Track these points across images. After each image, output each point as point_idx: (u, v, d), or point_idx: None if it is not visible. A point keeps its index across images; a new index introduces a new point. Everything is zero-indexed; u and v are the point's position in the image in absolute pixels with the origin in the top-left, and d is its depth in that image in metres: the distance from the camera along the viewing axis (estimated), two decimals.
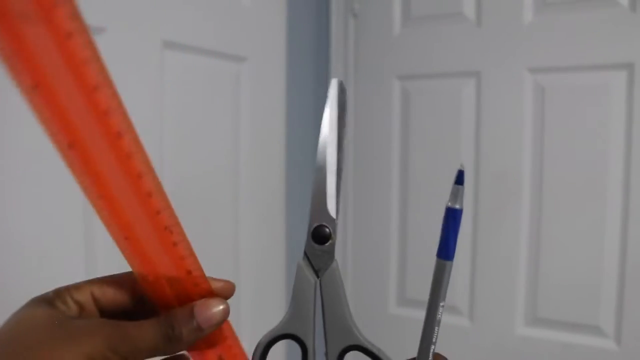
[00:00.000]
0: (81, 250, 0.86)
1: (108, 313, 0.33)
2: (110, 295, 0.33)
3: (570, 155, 1.19)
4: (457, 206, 0.36)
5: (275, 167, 1.28)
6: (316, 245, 0.37)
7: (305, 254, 0.38)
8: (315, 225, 0.37)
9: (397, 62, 1.39)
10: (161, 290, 0.32)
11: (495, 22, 1.26)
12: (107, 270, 0.93)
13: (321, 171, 0.37)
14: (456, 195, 0.36)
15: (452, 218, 0.36)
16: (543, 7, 1.21)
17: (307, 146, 1.41)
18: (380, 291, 1.43)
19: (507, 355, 1.28)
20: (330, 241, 0.38)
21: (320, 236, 0.37)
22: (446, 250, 0.38)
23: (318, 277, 0.38)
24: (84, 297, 0.32)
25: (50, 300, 0.31)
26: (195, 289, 0.32)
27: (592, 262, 1.18)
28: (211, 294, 0.33)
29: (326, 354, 0.37)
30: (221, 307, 0.32)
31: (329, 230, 0.38)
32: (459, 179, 0.36)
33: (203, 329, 0.31)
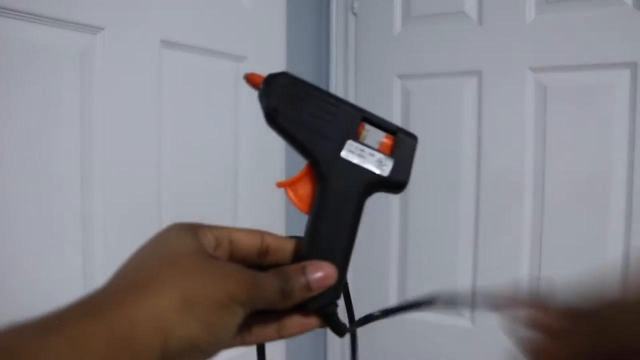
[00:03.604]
0: (79, 254, 0.85)
1: (235, 257, 0.35)
2: (243, 243, 0.35)
3: (573, 154, 1.19)
4: None
5: (274, 166, 1.27)
6: None
7: None
8: None
9: (398, 61, 1.38)
10: None
11: (497, 21, 1.25)
12: (105, 273, 0.92)
13: None
14: None
15: None
16: (545, 5, 1.20)
17: None
18: (380, 291, 1.42)
19: (509, 356, 1.27)
20: None
21: None
22: None
23: None
24: (221, 236, 0.34)
25: (193, 229, 0.33)
26: None
27: (594, 263, 1.17)
28: None
29: None
30: (330, 270, 0.34)
31: None
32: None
33: (312, 289, 0.34)
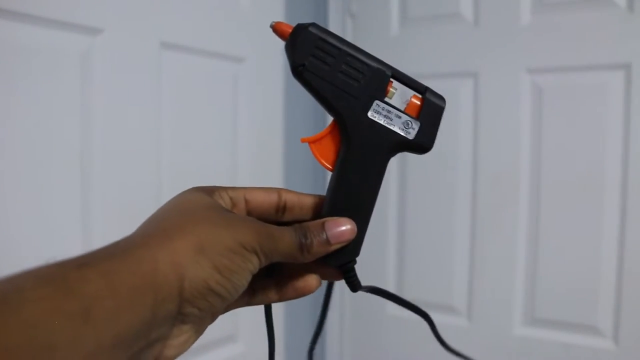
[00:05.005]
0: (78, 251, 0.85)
1: (252, 215, 0.36)
2: (259, 201, 0.36)
3: (568, 155, 1.20)
4: None
5: (273, 167, 1.28)
6: None
7: None
8: None
9: (395, 62, 1.37)
10: None
11: (492, 23, 1.26)
12: None
13: None
14: None
15: None
16: (540, 7, 1.21)
17: (305, 147, 1.40)
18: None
19: (505, 355, 1.28)
20: None
21: None
22: None
23: None
24: (237, 196, 0.36)
25: (209, 191, 0.35)
26: None
27: (589, 262, 1.18)
28: None
29: None
30: (349, 226, 0.36)
31: None
32: None
33: (331, 244, 0.35)
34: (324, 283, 0.40)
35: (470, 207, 1.31)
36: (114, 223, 0.90)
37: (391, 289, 1.43)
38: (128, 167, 0.93)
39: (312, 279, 0.37)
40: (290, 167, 1.33)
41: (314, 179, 1.44)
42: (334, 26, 1.46)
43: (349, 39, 1.46)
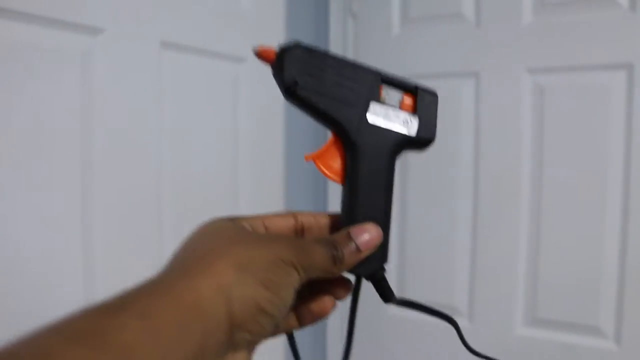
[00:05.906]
0: (79, 253, 0.85)
1: None
2: (278, 226, 0.37)
3: (570, 155, 1.19)
4: None
5: (273, 168, 1.28)
6: None
7: None
8: None
9: (396, 62, 1.39)
10: None
11: (494, 23, 1.26)
12: (105, 275, 0.92)
13: None
14: None
15: None
16: (542, 7, 1.21)
17: (306, 147, 1.40)
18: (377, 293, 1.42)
19: (507, 355, 1.28)
20: None
21: None
22: None
23: None
24: (256, 224, 0.36)
25: (231, 219, 0.35)
26: None
27: (591, 262, 1.18)
28: None
29: None
30: (374, 230, 0.35)
31: None
32: None
33: (361, 251, 0.34)
34: (342, 302, 0.39)
35: (471, 207, 1.30)
36: (114, 222, 0.90)
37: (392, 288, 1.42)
38: (128, 167, 0.93)
39: (326, 301, 0.37)
40: (291, 168, 1.33)
41: (314, 179, 1.43)
42: (335, 26, 1.45)
43: (350, 38, 1.46)
